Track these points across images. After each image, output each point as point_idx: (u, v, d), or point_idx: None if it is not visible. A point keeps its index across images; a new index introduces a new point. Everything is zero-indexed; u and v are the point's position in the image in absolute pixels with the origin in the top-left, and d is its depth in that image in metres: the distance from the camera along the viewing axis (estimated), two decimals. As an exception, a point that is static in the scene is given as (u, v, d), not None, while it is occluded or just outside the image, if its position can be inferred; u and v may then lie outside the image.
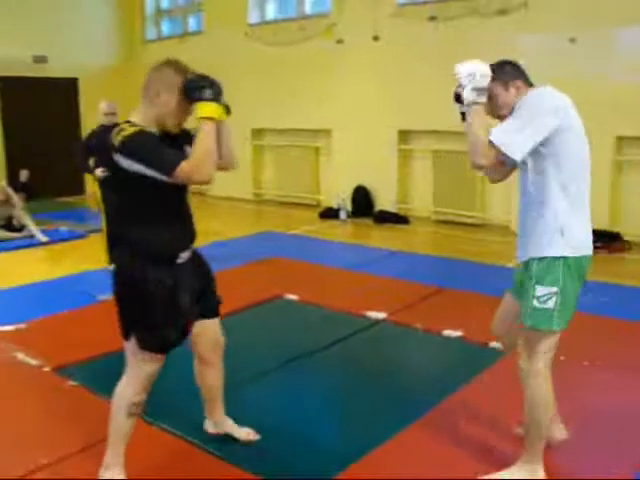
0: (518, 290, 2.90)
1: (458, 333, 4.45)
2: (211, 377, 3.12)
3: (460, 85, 2.63)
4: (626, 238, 7.41)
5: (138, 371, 2.70)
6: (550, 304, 2.65)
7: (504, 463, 2.94)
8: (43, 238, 7.91)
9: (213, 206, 11.18)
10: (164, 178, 2.50)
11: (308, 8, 10.42)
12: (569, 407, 3.30)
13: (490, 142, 2.57)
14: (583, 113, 2.76)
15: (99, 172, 4.95)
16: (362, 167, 9.46)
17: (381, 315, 4.85)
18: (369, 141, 9.32)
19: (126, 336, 2.69)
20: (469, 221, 8.62)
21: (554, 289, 2.64)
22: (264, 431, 3.27)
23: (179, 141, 2.72)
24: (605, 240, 7.24)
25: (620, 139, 7.50)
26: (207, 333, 3.00)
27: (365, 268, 6.26)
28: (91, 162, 5.46)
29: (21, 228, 8.09)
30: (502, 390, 3.68)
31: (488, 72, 2.62)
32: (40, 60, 11.49)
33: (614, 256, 7.09)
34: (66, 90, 11.99)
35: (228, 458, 3.02)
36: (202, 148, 2.51)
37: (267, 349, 4.47)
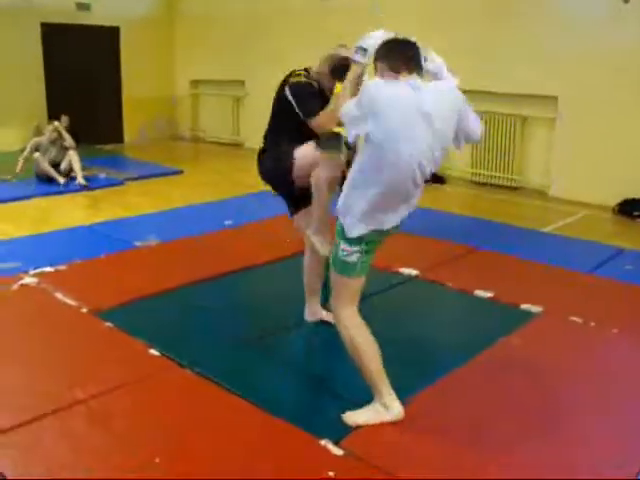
0: None
1: (489, 294, 4.46)
2: (317, 267, 3.92)
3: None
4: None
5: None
6: None
7: (527, 422, 2.99)
8: (83, 182, 8.02)
9: (250, 159, 11.16)
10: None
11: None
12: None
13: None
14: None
15: None
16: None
17: (414, 272, 4.87)
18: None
19: None
20: (507, 184, 8.54)
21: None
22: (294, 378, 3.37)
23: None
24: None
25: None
26: None
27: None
28: None
29: (67, 173, 8.17)
30: (529, 351, 3.71)
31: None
32: (83, 7, 11.50)
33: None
34: (108, 38, 12.01)
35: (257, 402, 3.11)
36: (330, 109, 3.32)
37: (296, 301, 4.52)
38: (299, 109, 3.55)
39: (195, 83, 12.95)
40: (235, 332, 3.93)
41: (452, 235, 5.85)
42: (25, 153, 8.20)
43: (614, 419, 3.07)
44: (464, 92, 2.89)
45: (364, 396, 3.04)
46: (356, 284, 2.97)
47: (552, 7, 7.93)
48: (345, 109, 2.81)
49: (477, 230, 6.32)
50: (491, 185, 8.68)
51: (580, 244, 5.96)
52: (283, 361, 3.65)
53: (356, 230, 2.82)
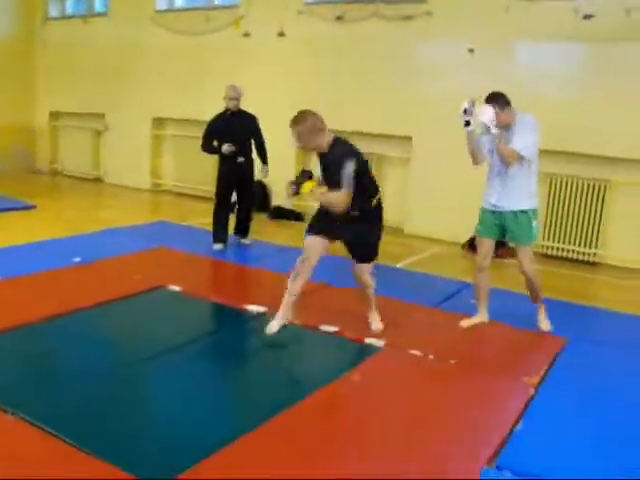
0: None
1: (334, 328, 4.48)
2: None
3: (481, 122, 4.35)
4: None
5: None
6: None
7: (362, 454, 2.99)
8: None
9: (110, 194, 10.90)
10: None
11: (217, -1, 10.32)
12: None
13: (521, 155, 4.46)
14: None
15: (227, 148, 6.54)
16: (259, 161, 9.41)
17: (262, 309, 4.83)
18: (268, 136, 9.29)
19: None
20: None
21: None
22: (132, 420, 3.23)
23: None
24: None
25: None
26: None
27: (253, 262, 6.23)
28: (215, 142, 6.68)
29: None
30: (368, 385, 3.74)
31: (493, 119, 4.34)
32: None
33: (498, 261, 7.37)
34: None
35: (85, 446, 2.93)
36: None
37: (144, 338, 4.39)
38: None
39: (55, 115, 12.50)
40: (67, 375, 3.73)
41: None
42: None
43: (454, 439, 3.13)
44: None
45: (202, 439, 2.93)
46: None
47: (414, 56, 8.28)
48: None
49: (330, 267, 6.38)
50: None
51: (429, 279, 6.15)
52: (116, 405, 3.48)
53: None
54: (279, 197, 9.28)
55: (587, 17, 7.11)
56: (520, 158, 4.43)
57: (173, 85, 10.36)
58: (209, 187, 10.13)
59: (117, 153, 11.38)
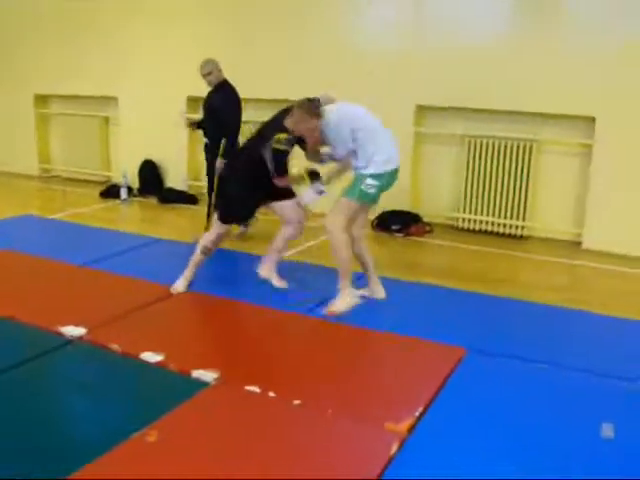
0: None
1: (158, 357, 3.46)
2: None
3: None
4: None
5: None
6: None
7: None
8: None
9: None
10: None
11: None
12: None
13: None
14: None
15: None
16: (151, 140, 8.30)
17: (79, 331, 3.78)
18: (159, 111, 8.14)
19: None
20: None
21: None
22: None
23: None
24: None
25: (421, 108, 6.80)
26: None
27: (106, 263, 5.15)
28: None
29: None
30: (190, 433, 2.78)
31: None
32: None
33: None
34: None
35: None
36: None
37: None
38: None
39: None
40: None
41: (163, 274, 4.84)
42: None
43: None
44: None
45: None
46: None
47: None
48: None
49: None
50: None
51: (316, 271, 5.12)
52: None
53: None
54: (172, 178, 8.25)
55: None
56: None
57: (57, 58, 9.10)
58: (99, 170, 9.04)
59: (1, 136, 10.08)
